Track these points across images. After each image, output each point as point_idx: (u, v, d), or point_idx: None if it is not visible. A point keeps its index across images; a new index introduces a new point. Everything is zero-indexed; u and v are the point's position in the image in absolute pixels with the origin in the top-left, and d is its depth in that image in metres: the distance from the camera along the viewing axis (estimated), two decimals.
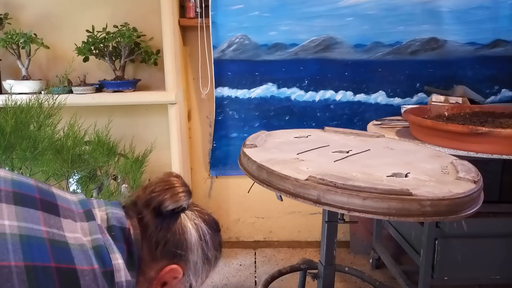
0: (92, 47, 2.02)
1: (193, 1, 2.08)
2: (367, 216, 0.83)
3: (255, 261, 2.26)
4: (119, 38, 1.97)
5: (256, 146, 1.20)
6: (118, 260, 0.57)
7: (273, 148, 1.20)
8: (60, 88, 1.78)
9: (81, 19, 2.13)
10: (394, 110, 2.14)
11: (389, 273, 2.04)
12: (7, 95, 1.54)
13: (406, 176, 0.96)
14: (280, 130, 1.48)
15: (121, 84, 2.03)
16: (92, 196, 1.62)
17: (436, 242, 1.52)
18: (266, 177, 0.98)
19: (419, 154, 1.19)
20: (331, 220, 1.28)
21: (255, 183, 1.04)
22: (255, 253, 2.36)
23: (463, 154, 1.34)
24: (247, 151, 1.14)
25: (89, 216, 0.61)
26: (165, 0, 1.91)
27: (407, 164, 1.06)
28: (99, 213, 0.63)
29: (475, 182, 0.92)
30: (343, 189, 0.85)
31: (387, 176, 0.95)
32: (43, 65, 2.21)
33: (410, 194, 0.82)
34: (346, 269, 1.75)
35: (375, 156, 1.14)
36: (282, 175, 0.94)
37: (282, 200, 1.11)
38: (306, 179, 0.90)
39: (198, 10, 2.08)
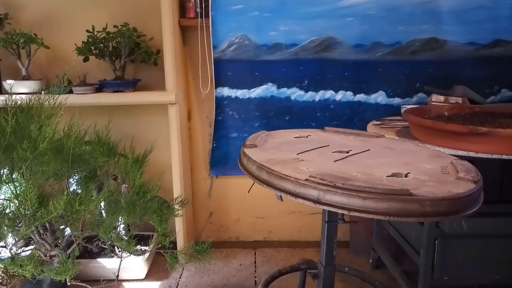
0: (92, 47, 2.02)
1: (193, 1, 2.08)
2: (367, 216, 0.83)
3: (255, 261, 2.26)
4: (119, 38, 1.97)
5: (256, 146, 1.20)
6: None
7: (273, 148, 1.20)
8: (60, 88, 1.78)
9: (81, 19, 2.13)
10: (394, 110, 2.14)
11: (389, 273, 2.04)
12: (7, 95, 1.54)
13: (406, 176, 0.96)
14: (280, 130, 1.48)
15: (121, 84, 2.03)
16: (92, 196, 1.61)
17: (436, 242, 1.52)
18: (266, 177, 0.99)
19: (419, 154, 1.19)
20: (331, 220, 1.28)
21: (255, 183, 1.04)
22: (255, 253, 2.36)
23: (463, 154, 1.34)
24: (247, 151, 1.14)
25: None
26: (165, 0, 1.91)
27: (407, 164, 1.06)
28: None
29: (475, 182, 0.92)
30: (343, 189, 0.85)
31: (387, 176, 0.95)
32: (43, 65, 2.21)
33: (410, 194, 0.82)
34: (346, 269, 1.75)
35: (375, 156, 1.14)
36: (282, 175, 0.94)
37: (282, 200, 1.11)
38: (306, 179, 0.90)
39: (198, 10, 2.08)
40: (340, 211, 0.86)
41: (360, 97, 2.18)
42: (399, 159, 1.12)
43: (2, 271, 1.83)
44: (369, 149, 1.21)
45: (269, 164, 1.00)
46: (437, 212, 0.82)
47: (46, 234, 1.65)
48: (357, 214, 0.84)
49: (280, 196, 1.00)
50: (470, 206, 0.87)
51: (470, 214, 0.86)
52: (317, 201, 0.88)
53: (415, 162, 1.09)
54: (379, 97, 2.17)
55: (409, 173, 0.98)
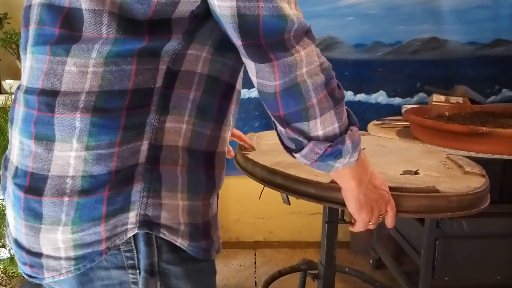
0: None
1: None
2: (398, 215, 0.83)
3: (255, 262, 2.26)
4: None
5: (254, 149, 1.19)
6: None
7: (272, 151, 1.17)
8: None
9: None
10: (395, 110, 2.13)
11: (389, 274, 2.03)
12: (7, 95, 1.54)
13: (416, 173, 0.96)
14: (268, 131, 1.41)
15: None
16: None
17: (437, 242, 1.51)
18: (282, 181, 0.94)
19: (413, 151, 1.20)
20: (332, 220, 1.28)
21: (265, 187, 1.01)
22: (255, 253, 2.35)
23: (464, 154, 1.33)
24: (249, 155, 1.12)
25: None
26: None
27: (409, 161, 1.06)
28: None
29: (483, 175, 0.94)
30: None
31: (400, 174, 0.95)
32: None
33: (438, 191, 0.83)
34: (347, 269, 1.75)
35: (374, 154, 1.13)
36: (301, 179, 0.89)
37: (289, 204, 1.09)
38: (331, 182, 0.85)
39: None
40: None
41: (361, 96, 2.17)
42: (399, 157, 1.11)
43: (2, 271, 1.83)
44: (365, 148, 1.20)
45: (280, 168, 0.97)
46: (461, 206, 0.83)
47: None
48: None
49: (288, 200, 0.98)
50: (486, 200, 0.89)
51: (484, 207, 0.88)
52: (344, 204, 0.80)
53: (415, 159, 1.09)
54: (380, 97, 2.17)
55: (418, 170, 0.98)
